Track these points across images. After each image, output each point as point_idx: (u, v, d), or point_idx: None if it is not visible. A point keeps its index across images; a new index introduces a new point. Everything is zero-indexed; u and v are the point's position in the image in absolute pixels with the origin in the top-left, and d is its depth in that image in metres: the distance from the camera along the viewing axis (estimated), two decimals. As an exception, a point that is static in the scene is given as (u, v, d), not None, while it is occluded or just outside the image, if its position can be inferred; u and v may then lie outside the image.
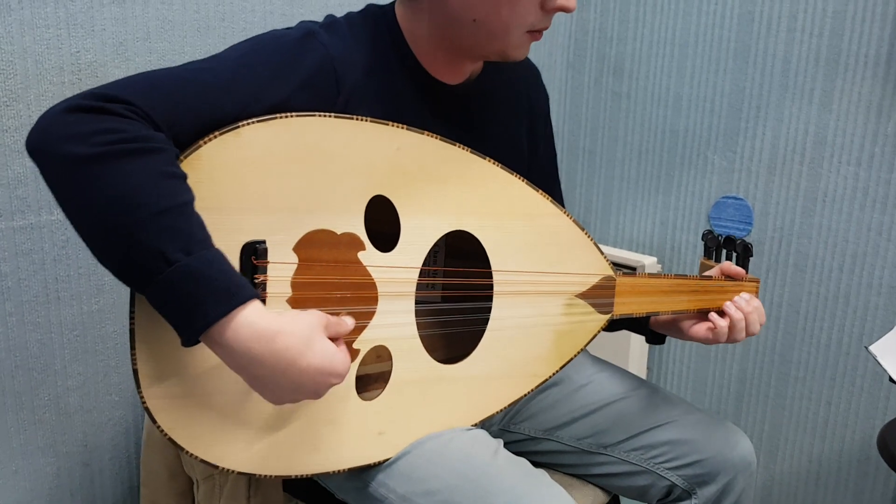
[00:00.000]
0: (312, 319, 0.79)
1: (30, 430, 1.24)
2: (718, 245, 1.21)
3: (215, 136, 0.80)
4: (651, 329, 1.18)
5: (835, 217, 1.61)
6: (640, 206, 1.88)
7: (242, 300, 0.74)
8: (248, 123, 0.82)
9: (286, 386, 0.77)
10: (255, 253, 0.83)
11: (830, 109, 1.58)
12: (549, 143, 1.22)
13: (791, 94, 1.62)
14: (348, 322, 0.84)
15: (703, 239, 1.21)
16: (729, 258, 1.20)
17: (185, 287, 0.72)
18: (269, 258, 0.84)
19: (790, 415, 1.75)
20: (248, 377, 0.78)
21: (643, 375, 1.90)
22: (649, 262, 1.81)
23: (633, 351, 1.81)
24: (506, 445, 1.20)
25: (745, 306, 1.09)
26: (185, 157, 0.79)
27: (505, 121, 1.11)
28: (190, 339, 0.74)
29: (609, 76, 1.89)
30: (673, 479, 1.14)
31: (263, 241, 0.83)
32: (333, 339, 0.81)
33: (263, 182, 0.83)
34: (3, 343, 1.18)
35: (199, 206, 0.77)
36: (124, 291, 1.30)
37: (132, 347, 0.80)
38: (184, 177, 0.77)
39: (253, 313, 0.75)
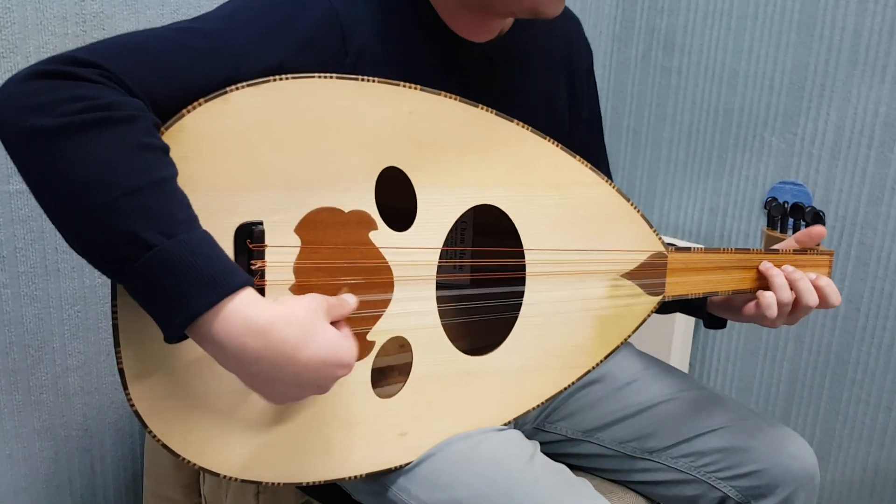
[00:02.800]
0: (311, 304, 0.69)
1: (26, 411, 1.16)
2: (784, 213, 1.08)
3: (200, 104, 0.71)
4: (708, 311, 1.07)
5: (904, 207, 1.48)
6: (688, 190, 1.75)
7: (231, 289, 0.64)
8: (237, 88, 0.72)
9: (287, 382, 0.68)
10: (250, 236, 0.73)
11: (905, 88, 1.44)
12: (593, 104, 1.11)
13: (860, 71, 1.48)
14: (350, 301, 0.74)
15: (765, 207, 1.08)
16: (797, 228, 1.07)
17: (165, 275, 0.63)
18: (268, 241, 0.75)
19: (844, 420, 1.62)
20: (244, 376, 0.68)
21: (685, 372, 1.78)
22: (696, 250, 1.69)
23: (676, 345, 1.70)
24: (541, 446, 1.11)
25: (791, 271, 0.96)
26: (167, 129, 0.70)
27: (541, 82, 1.00)
28: (173, 335, 0.65)
29: (658, 50, 1.76)
30: (726, 489, 1.04)
31: (260, 223, 0.74)
32: (336, 323, 0.71)
33: (258, 155, 0.73)
34: (-4, 317, 1.10)
35: (186, 185, 0.68)
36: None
37: (116, 344, 0.72)
38: (164, 149, 0.67)
39: (244, 303, 0.65)
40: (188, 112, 0.70)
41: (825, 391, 1.64)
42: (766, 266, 0.98)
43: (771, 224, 1.09)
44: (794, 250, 1.02)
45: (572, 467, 1.12)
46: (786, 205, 1.08)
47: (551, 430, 1.11)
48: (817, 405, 1.65)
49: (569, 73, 1.05)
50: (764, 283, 0.99)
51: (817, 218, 1.05)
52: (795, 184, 1.59)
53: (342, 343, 0.69)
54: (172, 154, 0.68)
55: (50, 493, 1.21)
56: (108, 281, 1.18)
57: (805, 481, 1.03)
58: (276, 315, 0.66)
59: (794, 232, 1.07)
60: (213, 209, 0.71)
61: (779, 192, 1.61)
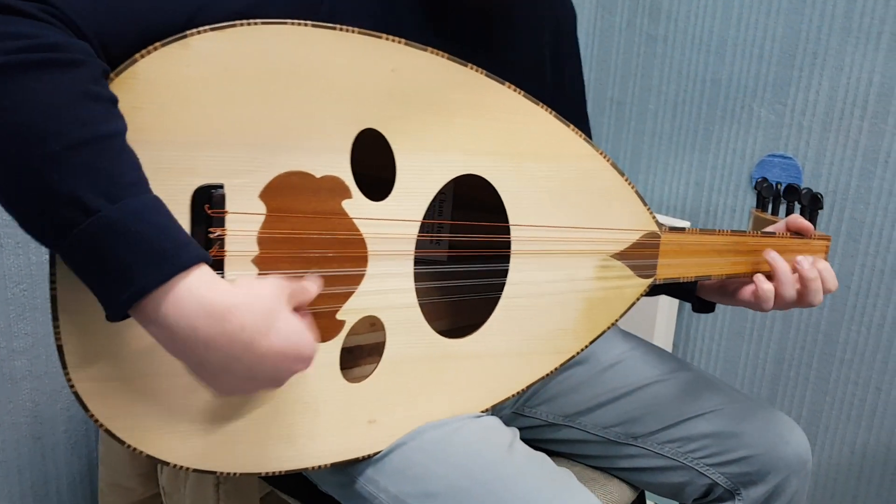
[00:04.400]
0: (274, 290, 0.62)
1: (-32, 397, 1.08)
2: (777, 195, 1.01)
3: (156, 49, 0.63)
4: (697, 295, 1.01)
5: (897, 181, 1.42)
6: (674, 164, 1.69)
7: (185, 264, 0.57)
8: (199, 32, 0.64)
9: (239, 373, 0.61)
10: (209, 200, 0.66)
11: (900, 57, 1.39)
12: (576, 69, 1.04)
13: (854, 38, 1.42)
14: (311, 288, 0.68)
15: (755, 188, 1.02)
16: (790, 212, 1.01)
17: (108, 245, 0.56)
18: (229, 207, 0.67)
19: (833, 401, 1.57)
20: (192, 364, 0.61)
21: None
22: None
23: (660, 325, 1.64)
24: (520, 431, 1.05)
25: (807, 270, 0.91)
26: (118, 76, 0.62)
27: (527, 42, 0.94)
28: (116, 314, 0.58)
29: (644, 17, 1.69)
30: (714, 476, 0.99)
31: (221, 186, 0.67)
32: (296, 311, 0.65)
33: (220, 108, 0.66)
34: (-67, 296, 1.02)
35: (136, 140, 0.61)
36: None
37: (54, 318, 0.64)
38: (112, 100, 0.60)
39: (200, 282, 0.58)
40: (142, 57, 0.63)
41: (813, 371, 1.59)
42: (773, 257, 0.92)
43: (761, 206, 1.03)
44: (790, 234, 0.97)
45: (553, 454, 1.07)
46: (778, 186, 1.01)
47: (531, 414, 1.05)
48: (804, 386, 1.61)
49: (554, 34, 0.98)
50: (761, 268, 0.94)
51: (815, 201, 0.99)
52: (784, 157, 1.53)
53: (304, 335, 0.63)
54: (122, 104, 0.61)
55: (-2, 483, 1.14)
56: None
57: (798, 467, 0.99)
58: (235, 298, 0.59)
59: (787, 214, 1.01)
60: (167, 168, 0.64)
61: (767, 166, 1.55)
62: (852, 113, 1.45)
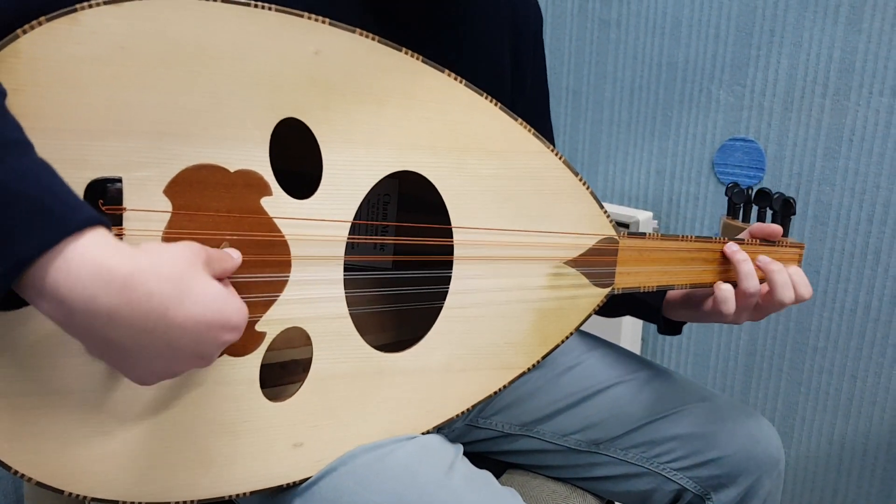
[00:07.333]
0: (186, 253, 0.54)
1: None
2: (748, 201, 0.95)
3: (41, 23, 0.56)
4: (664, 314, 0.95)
5: (863, 159, 1.37)
6: (633, 153, 1.63)
7: (75, 225, 0.49)
8: (90, 6, 0.57)
9: (157, 351, 0.53)
10: (104, 195, 0.59)
11: (860, 29, 1.33)
12: (539, 76, 0.97)
13: (812, 12, 1.37)
14: (234, 255, 0.61)
15: (727, 194, 0.96)
16: (762, 219, 0.95)
17: None
18: (128, 203, 0.60)
19: (808, 391, 1.52)
20: (97, 345, 0.53)
21: (637, 348, 1.67)
22: (644, 217, 1.57)
23: (627, 320, 1.58)
24: (474, 444, 0.98)
25: (768, 262, 0.86)
26: None
27: (482, 38, 0.86)
28: None
29: (595, 1, 1.62)
30: (682, 482, 0.93)
31: (119, 179, 0.59)
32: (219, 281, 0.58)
33: (116, 93, 0.59)
34: None
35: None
36: None
37: None
38: None
39: (95, 244, 0.50)
40: (24, 33, 0.56)
41: (786, 361, 1.53)
42: (733, 249, 0.86)
43: (732, 213, 0.96)
44: (759, 241, 0.90)
45: (512, 465, 1.01)
46: (749, 191, 0.95)
47: (486, 426, 0.98)
48: (778, 377, 1.55)
49: (513, 35, 0.91)
50: (730, 277, 0.88)
51: (787, 206, 0.93)
52: (746, 140, 1.47)
53: (229, 300, 0.55)
54: (3, 86, 0.54)
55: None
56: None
57: (769, 467, 0.93)
58: (139, 263, 0.51)
59: (759, 220, 0.95)
60: (55, 159, 0.56)
61: (729, 150, 1.49)
62: (813, 91, 1.39)
